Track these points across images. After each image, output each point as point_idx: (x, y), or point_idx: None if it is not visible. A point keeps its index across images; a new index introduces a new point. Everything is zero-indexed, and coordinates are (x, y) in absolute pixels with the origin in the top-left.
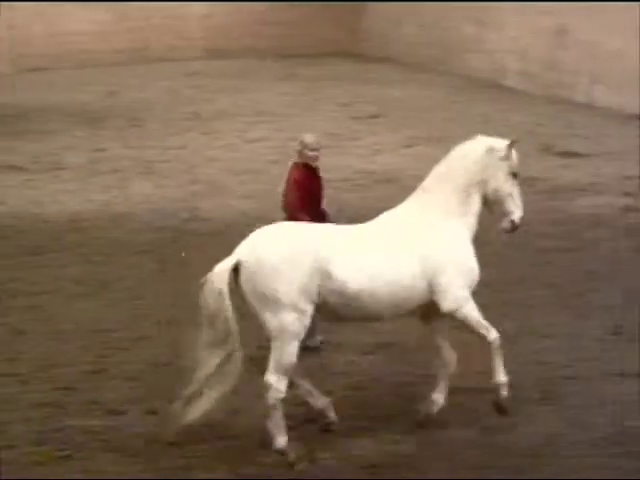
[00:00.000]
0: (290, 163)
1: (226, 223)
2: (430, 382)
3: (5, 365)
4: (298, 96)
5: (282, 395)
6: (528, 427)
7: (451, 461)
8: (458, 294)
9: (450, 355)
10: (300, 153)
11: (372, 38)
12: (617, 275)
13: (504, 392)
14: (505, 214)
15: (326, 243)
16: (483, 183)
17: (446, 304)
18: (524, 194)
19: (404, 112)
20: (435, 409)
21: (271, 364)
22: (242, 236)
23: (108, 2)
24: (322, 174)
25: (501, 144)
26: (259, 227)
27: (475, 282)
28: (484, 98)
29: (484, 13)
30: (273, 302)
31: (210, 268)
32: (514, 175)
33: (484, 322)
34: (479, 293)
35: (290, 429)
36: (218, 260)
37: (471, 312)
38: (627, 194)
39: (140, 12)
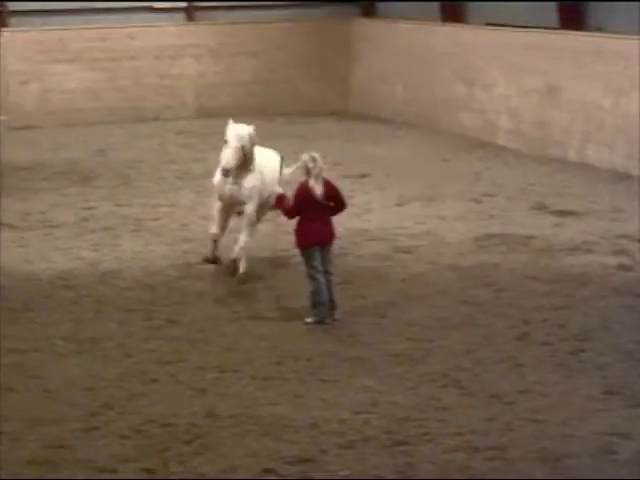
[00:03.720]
0: (318, 179)
1: (218, 280)
2: None
3: None
4: (288, 154)
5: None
6: None
7: None
8: None
9: None
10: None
11: (361, 97)
12: (609, 334)
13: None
14: None
15: None
16: None
17: None
18: (519, 252)
19: (394, 170)
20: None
21: None
22: (234, 293)
23: (101, 62)
24: None
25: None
26: None
27: None
28: (475, 156)
29: (472, 73)
30: None
31: (202, 324)
32: None
33: None
34: (475, 351)
35: None
36: (209, 317)
37: None
38: (619, 252)
39: (132, 71)
